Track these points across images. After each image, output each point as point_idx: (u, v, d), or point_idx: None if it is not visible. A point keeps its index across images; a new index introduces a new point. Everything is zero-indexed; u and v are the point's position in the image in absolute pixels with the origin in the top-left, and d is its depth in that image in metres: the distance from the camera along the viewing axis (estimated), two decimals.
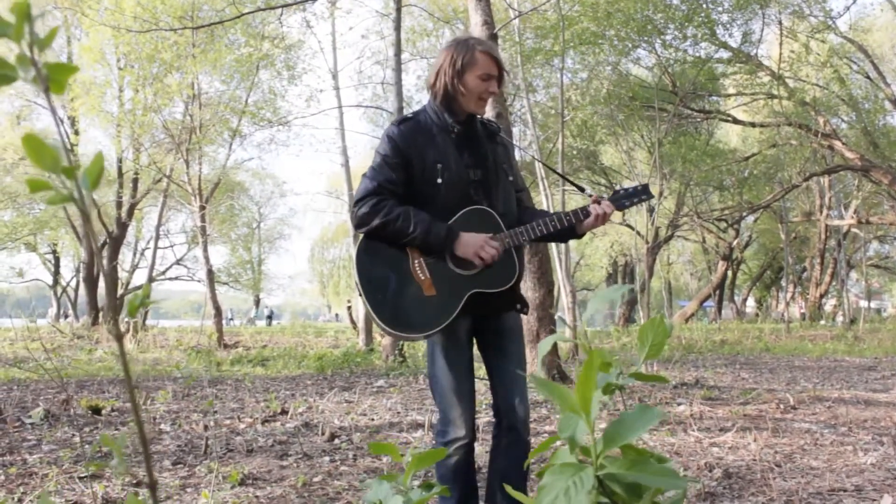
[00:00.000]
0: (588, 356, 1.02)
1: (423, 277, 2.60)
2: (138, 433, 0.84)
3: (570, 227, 2.78)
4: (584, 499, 0.94)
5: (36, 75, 0.74)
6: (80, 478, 3.95)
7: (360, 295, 2.64)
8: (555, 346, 8.75)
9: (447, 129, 2.71)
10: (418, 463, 1.35)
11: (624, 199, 2.86)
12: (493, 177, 2.75)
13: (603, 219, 2.74)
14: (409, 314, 2.59)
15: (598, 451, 1.01)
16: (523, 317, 2.91)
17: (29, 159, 0.75)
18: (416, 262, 2.61)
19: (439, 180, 2.63)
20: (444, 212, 2.62)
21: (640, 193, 2.89)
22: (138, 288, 30.19)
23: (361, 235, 2.67)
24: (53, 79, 0.76)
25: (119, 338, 0.83)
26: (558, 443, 1.11)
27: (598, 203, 2.75)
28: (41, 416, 5.83)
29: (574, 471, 0.98)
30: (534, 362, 8.68)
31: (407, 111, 21.96)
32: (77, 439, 5.04)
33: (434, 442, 2.74)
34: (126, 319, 17.80)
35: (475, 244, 2.57)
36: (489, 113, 7.62)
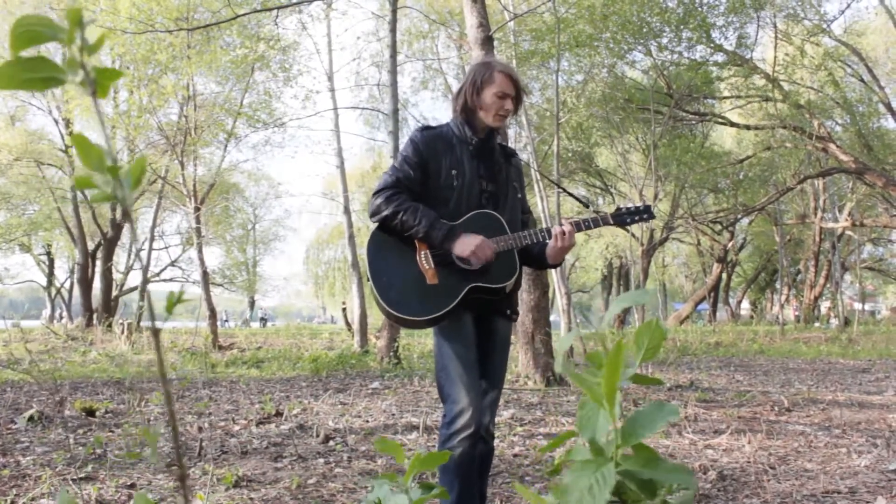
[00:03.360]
0: (615, 346, 1.02)
1: (427, 267, 2.76)
2: (171, 428, 0.85)
3: (543, 248, 2.92)
4: (607, 496, 0.94)
5: (84, 79, 0.77)
6: (74, 480, 3.94)
7: (368, 280, 2.82)
8: (550, 347, 8.75)
9: (466, 141, 2.91)
10: (421, 464, 1.34)
11: (626, 217, 3.00)
12: (503, 190, 2.95)
13: (561, 239, 2.83)
14: (411, 300, 2.75)
15: (616, 448, 1.02)
16: (518, 319, 3.01)
17: (78, 157, 0.79)
18: (422, 252, 2.78)
19: (454, 184, 2.83)
20: (456, 215, 2.80)
21: (643, 213, 3.01)
22: (133, 289, 30.16)
23: (375, 226, 2.87)
24: (100, 83, 0.79)
25: (156, 334, 0.85)
26: (571, 440, 1.12)
27: (561, 224, 2.87)
28: (35, 418, 5.81)
29: (595, 468, 0.99)
30: (528, 364, 8.68)
31: (402, 113, 21.90)
32: (71, 441, 5.03)
33: (438, 433, 2.78)
34: (121, 321, 17.76)
35: (472, 245, 2.72)
36: None
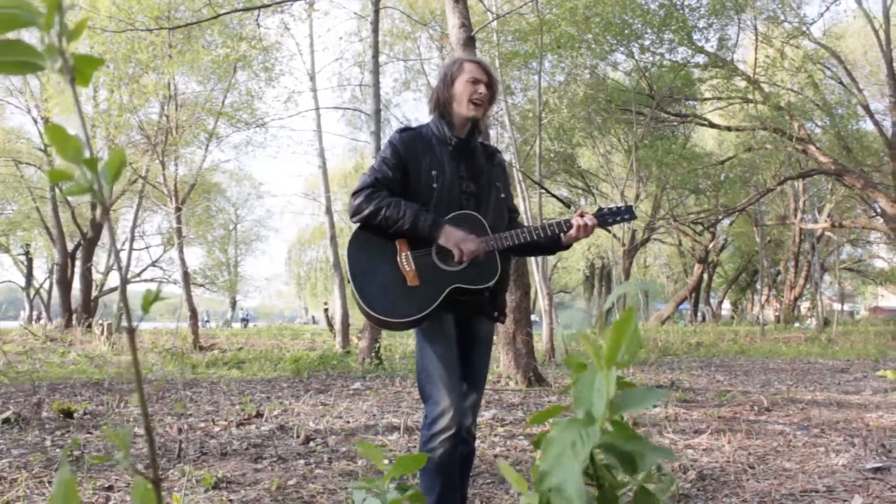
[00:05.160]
0: (626, 310, 1.02)
1: (408, 269, 2.74)
2: (145, 430, 0.83)
3: (554, 238, 2.92)
4: (588, 453, 0.95)
5: (62, 66, 0.75)
6: (51, 482, 3.90)
7: (349, 282, 2.80)
8: (531, 347, 8.76)
9: (446, 141, 2.89)
10: (401, 466, 1.33)
11: (608, 217, 2.98)
12: (485, 191, 2.92)
13: (585, 230, 2.86)
14: (392, 301, 2.73)
15: (606, 413, 1.02)
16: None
17: (54, 149, 0.76)
18: (402, 254, 2.75)
19: (434, 185, 2.80)
20: (432, 213, 2.76)
21: (624, 213, 3.00)
22: (113, 290, 29.95)
23: (356, 227, 2.84)
24: (80, 70, 0.77)
25: (131, 332, 0.83)
26: (554, 418, 1.12)
27: (582, 216, 2.88)
28: (11, 420, 5.75)
29: (581, 426, 0.99)
30: (510, 365, 8.70)
31: (385, 114, 21.91)
32: (48, 443, 4.98)
33: (420, 434, 2.77)
34: (100, 322, 17.63)
35: (458, 236, 2.71)
36: None
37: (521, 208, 13.66)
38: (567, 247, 2.99)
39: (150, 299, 0.85)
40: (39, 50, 0.75)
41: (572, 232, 2.87)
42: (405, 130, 2.93)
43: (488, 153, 3.03)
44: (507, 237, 2.79)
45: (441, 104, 2.91)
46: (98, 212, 24.61)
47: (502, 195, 2.99)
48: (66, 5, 0.74)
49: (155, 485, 0.84)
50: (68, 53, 0.75)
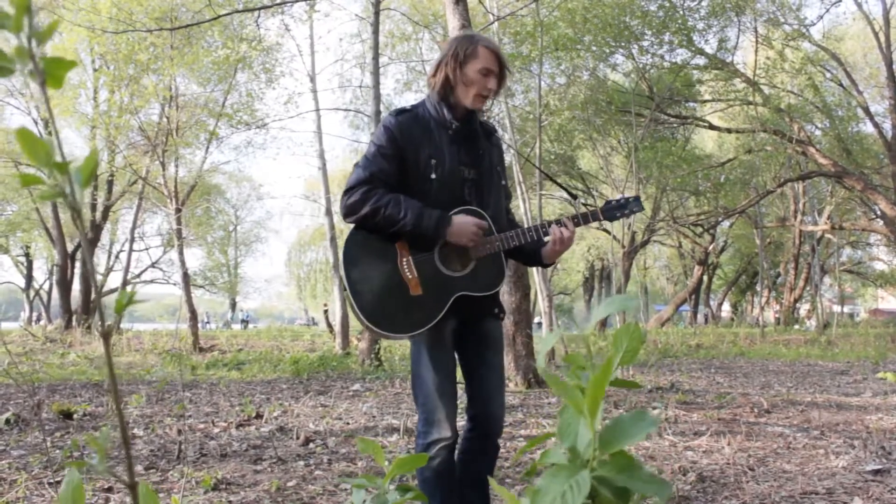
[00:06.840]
0: (605, 361, 1.00)
1: (410, 276, 2.55)
2: (120, 433, 0.83)
3: (538, 246, 2.77)
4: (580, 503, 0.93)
5: (33, 69, 0.73)
6: (50, 483, 3.90)
7: (345, 290, 2.61)
8: (531, 349, 8.76)
9: (445, 124, 2.67)
10: (401, 466, 1.33)
11: (615, 210, 2.81)
12: (487, 178, 2.73)
13: (560, 242, 2.68)
14: (394, 313, 2.55)
15: (594, 455, 1.01)
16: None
17: (23, 153, 0.74)
18: (404, 259, 2.56)
19: (433, 176, 2.59)
20: (437, 209, 2.58)
21: (632, 205, 2.82)
22: (113, 291, 29.95)
23: (351, 228, 2.64)
24: (50, 73, 0.75)
25: (106, 336, 0.82)
26: (547, 442, 1.11)
27: (560, 224, 2.70)
28: (11, 421, 5.75)
29: (570, 473, 0.97)
30: (509, 366, 8.69)
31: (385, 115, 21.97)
32: (48, 444, 4.97)
33: (415, 443, 2.70)
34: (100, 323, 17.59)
35: (468, 232, 2.55)
36: None
37: (521, 210, 13.66)
38: (549, 264, 2.84)
39: (124, 303, 0.84)
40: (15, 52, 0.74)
41: (549, 243, 2.71)
42: (401, 113, 2.68)
43: (486, 132, 2.82)
44: (512, 236, 2.63)
45: (446, 84, 2.68)
46: (98, 213, 24.61)
47: (502, 181, 2.82)
48: (36, 7, 0.72)
49: (131, 489, 0.84)
50: (38, 56, 0.73)
